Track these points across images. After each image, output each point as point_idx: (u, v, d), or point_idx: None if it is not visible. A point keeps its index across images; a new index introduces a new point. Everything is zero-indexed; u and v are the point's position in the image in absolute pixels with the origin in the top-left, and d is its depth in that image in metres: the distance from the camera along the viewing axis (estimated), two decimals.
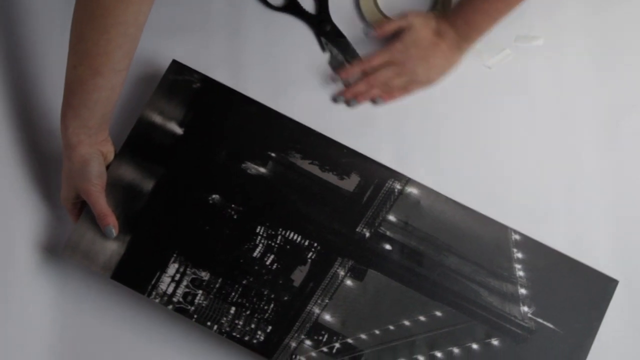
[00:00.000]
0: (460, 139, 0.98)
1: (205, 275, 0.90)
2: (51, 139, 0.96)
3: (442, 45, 0.95)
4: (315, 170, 0.93)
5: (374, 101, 0.99)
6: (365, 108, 0.99)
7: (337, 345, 0.88)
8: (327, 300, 0.89)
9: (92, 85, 0.82)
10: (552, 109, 0.98)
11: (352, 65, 0.98)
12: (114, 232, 0.89)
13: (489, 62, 1.00)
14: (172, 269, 0.90)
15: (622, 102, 0.98)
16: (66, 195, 0.89)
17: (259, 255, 0.90)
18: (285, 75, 0.99)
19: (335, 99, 0.98)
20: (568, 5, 1.01)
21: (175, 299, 0.89)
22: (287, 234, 0.91)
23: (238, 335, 0.88)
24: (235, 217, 0.91)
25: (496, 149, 0.97)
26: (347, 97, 0.98)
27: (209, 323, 0.88)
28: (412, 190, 0.92)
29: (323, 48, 0.95)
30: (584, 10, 1.00)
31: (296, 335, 0.88)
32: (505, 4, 0.91)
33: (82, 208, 0.90)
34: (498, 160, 0.97)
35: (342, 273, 0.90)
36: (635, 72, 0.99)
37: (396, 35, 0.96)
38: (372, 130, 0.98)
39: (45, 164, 0.96)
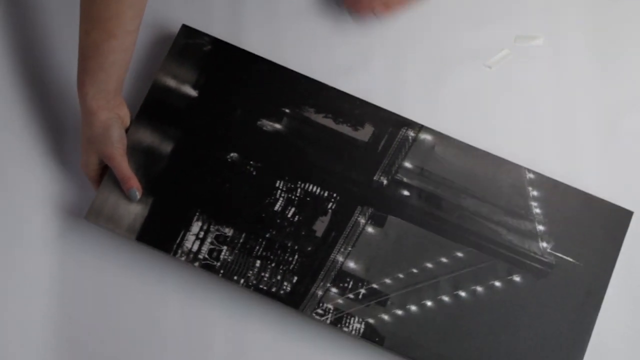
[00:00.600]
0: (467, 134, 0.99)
1: (228, 232, 0.91)
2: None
3: None
4: (329, 123, 0.94)
5: (374, 14, 0.99)
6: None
7: (362, 291, 0.90)
8: (349, 248, 0.91)
9: (106, 48, 0.83)
10: (552, 109, 0.99)
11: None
12: (138, 194, 0.90)
13: (489, 62, 1.01)
14: (196, 227, 0.91)
15: (622, 101, 0.99)
16: (87, 162, 0.90)
17: (280, 209, 0.92)
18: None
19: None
20: (568, 5, 1.01)
21: (200, 256, 0.90)
22: (306, 186, 0.93)
23: (265, 288, 0.90)
24: (254, 173, 0.93)
25: (499, 149, 0.97)
26: (347, 6, 0.99)
27: (235, 277, 0.90)
28: (425, 136, 0.94)
29: None
30: (584, 10, 1.01)
31: (322, 284, 0.90)
32: None
33: (103, 175, 0.92)
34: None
35: (362, 221, 0.92)
36: (635, 72, 1.00)
37: None
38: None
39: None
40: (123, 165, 0.89)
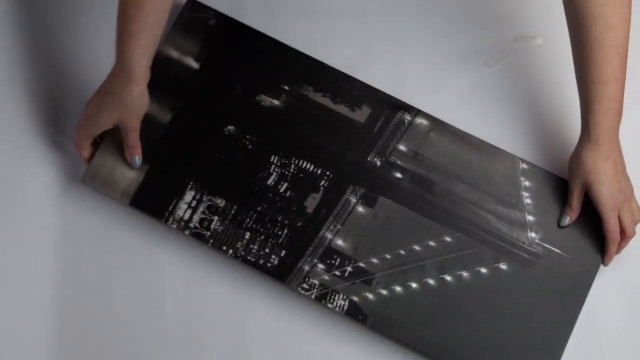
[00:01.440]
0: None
1: (221, 203, 0.92)
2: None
3: (616, 154, 0.87)
4: (327, 102, 0.95)
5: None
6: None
7: (349, 269, 0.91)
8: (339, 226, 0.92)
9: (148, 6, 0.81)
10: (550, 107, 0.99)
11: (610, 252, 0.89)
12: (139, 161, 0.91)
13: (489, 62, 1.01)
14: (189, 196, 0.92)
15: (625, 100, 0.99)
16: (97, 127, 0.89)
17: (273, 184, 0.93)
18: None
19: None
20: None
21: (192, 225, 0.91)
22: (301, 163, 0.94)
23: (253, 260, 0.91)
24: (250, 147, 0.94)
25: (495, 139, 0.97)
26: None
27: (224, 248, 0.91)
28: (422, 121, 0.95)
29: None
30: None
31: (309, 259, 0.91)
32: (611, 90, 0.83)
33: (96, 146, 0.93)
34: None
35: (354, 200, 0.92)
36: (635, 72, 1.00)
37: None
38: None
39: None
40: (137, 134, 0.90)
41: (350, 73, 0.96)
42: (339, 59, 0.99)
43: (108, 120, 0.88)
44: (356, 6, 1.02)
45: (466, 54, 1.00)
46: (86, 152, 0.92)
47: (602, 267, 0.90)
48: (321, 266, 0.91)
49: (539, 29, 1.01)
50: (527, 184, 0.93)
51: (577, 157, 0.87)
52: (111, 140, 0.93)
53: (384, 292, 0.90)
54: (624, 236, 0.89)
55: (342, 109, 0.95)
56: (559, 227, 0.91)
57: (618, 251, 0.90)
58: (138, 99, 0.87)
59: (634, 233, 0.89)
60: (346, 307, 0.89)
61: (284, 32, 0.99)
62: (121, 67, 0.85)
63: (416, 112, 0.95)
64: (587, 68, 0.83)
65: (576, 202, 0.89)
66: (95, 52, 0.99)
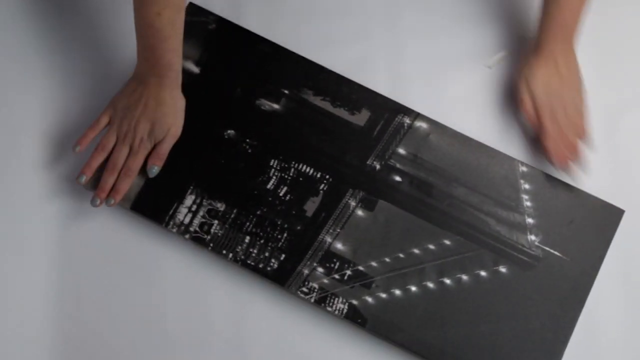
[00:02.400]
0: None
1: (220, 206, 0.93)
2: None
3: (561, 66, 0.94)
4: (327, 106, 0.96)
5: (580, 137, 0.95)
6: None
7: (348, 272, 0.91)
8: (338, 230, 0.92)
9: (179, 23, 0.87)
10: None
11: (549, 149, 0.93)
12: (156, 172, 0.93)
13: (489, 62, 1.01)
14: (189, 200, 0.93)
15: (619, 100, 0.98)
16: (150, 134, 0.91)
17: (272, 187, 0.93)
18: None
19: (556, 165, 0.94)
20: None
21: (192, 229, 0.92)
22: (300, 166, 0.94)
23: (252, 263, 0.91)
24: (249, 151, 0.94)
25: (494, 142, 0.97)
26: (562, 164, 0.94)
27: (224, 251, 0.91)
28: (421, 124, 0.95)
29: None
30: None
31: (308, 263, 0.91)
32: None
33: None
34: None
35: (353, 203, 0.93)
36: (634, 72, 1.00)
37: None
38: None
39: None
40: (170, 145, 0.92)
41: (350, 75, 0.97)
42: (339, 61, 0.99)
43: (142, 129, 0.91)
44: (355, 8, 1.03)
45: (466, 55, 1.00)
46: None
47: (601, 269, 0.90)
48: (320, 269, 0.91)
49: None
50: (527, 186, 0.93)
51: (521, 71, 0.95)
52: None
53: (383, 295, 0.90)
54: (561, 138, 0.93)
55: (341, 112, 0.95)
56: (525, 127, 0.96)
57: (562, 153, 0.92)
58: (180, 106, 0.92)
59: (570, 139, 0.93)
60: (345, 310, 0.90)
61: (284, 35, 1.00)
62: (168, 79, 0.89)
63: (415, 115, 0.95)
64: None
65: (528, 102, 0.94)
66: (86, 59, 1.00)
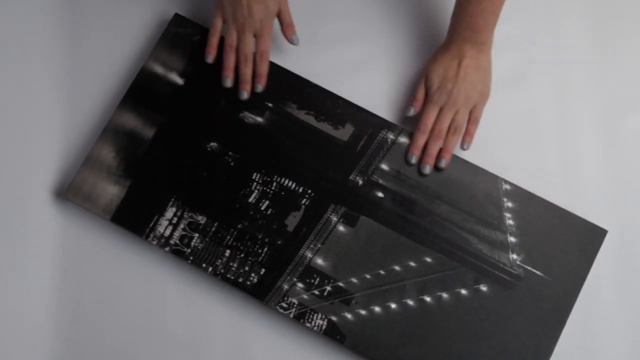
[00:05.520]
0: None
1: (201, 219, 0.92)
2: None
3: (466, 62, 0.92)
4: (310, 120, 0.95)
5: (462, 147, 0.94)
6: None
7: (328, 288, 0.90)
8: (319, 245, 0.91)
9: None
10: (551, 108, 0.99)
11: (415, 140, 0.93)
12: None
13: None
14: (170, 212, 0.92)
15: (621, 101, 0.98)
16: (266, 12, 0.92)
17: (254, 201, 0.93)
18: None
19: (410, 160, 0.94)
20: (568, 5, 1.02)
21: (172, 241, 0.91)
22: (282, 180, 0.93)
23: (232, 277, 0.91)
24: (232, 164, 0.94)
25: (499, 148, 0.98)
26: (424, 161, 0.93)
27: (204, 265, 0.91)
28: (405, 140, 0.94)
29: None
30: (584, 9, 1.01)
31: (288, 278, 0.91)
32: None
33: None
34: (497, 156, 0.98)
35: (334, 219, 0.92)
36: (635, 72, 0.99)
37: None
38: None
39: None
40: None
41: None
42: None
43: (269, 8, 0.93)
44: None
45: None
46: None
47: (582, 289, 0.90)
48: (300, 285, 0.90)
49: (538, 30, 1.01)
50: (510, 204, 0.92)
51: (430, 59, 0.95)
52: (93, 155, 0.93)
53: (363, 312, 0.89)
54: (431, 134, 0.93)
55: (325, 127, 0.95)
56: (406, 117, 0.95)
57: (427, 155, 0.92)
58: None
59: (442, 136, 0.93)
60: (324, 327, 0.89)
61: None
62: None
63: (399, 131, 0.94)
64: None
65: (420, 92, 0.94)
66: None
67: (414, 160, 0.93)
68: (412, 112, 0.95)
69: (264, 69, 0.94)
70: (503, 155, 0.97)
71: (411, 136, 0.93)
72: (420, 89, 0.95)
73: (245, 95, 0.94)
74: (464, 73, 0.92)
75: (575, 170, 0.96)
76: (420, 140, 0.93)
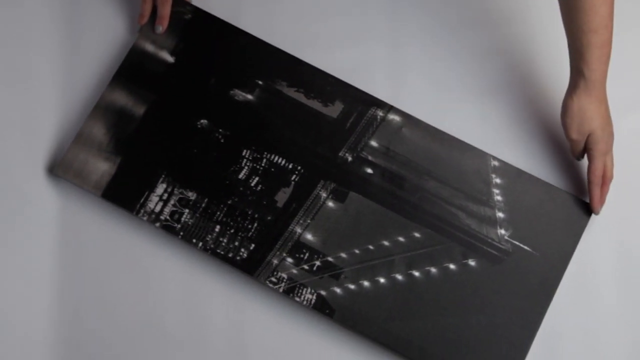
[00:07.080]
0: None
1: (192, 195, 0.93)
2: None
3: (608, 111, 0.90)
4: (300, 97, 0.96)
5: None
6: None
7: (317, 263, 0.91)
8: (309, 221, 0.92)
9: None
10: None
11: (601, 194, 0.91)
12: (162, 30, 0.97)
13: None
14: (161, 188, 0.93)
15: (621, 101, 0.98)
16: None
17: (244, 177, 0.93)
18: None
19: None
20: None
21: (162, 217, 0.92)
22: (272, 157, 0.94)
23: (222, 252, 0.91)
24: (222, 140, 0.94)
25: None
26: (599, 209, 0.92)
27: (194, 240, 0.92)
28: (394, 117, 0.95)
29: None
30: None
31: (278, 253, 0.91)
32: (598, 33, 0.84)
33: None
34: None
35: (324, 195, 0.93)
36: (634, 72, 1.00)
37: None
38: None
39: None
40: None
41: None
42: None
43: None
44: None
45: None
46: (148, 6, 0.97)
47: (570, 264, 0.90)
48: (290, 260, 0.91)
49: (538, 30, 1.01)
50: (498, 180, 0.93)
51: (573, 106, 0.88)
52: (84, 132, 0.94)
53: (352, 287, 0.90)
54: (605, 179, 0.91)
55: (315, 104, 0.95)
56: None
57: (602, 197, 0.91)
58: None
59: (613, 176, 0.91)
60: (313, 301, 0.90)
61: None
62: None
63: (388, 108, 0.95)
64: (575, 17, 0.84)
65: (582, 150, 0.91)
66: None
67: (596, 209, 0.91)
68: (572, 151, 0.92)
69: (166, 11, 0.96)
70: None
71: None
72: (580, 146, 0.90)
73: (138, 28, 0.97)
74: (609, 109, 0.90)
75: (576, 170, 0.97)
76: (598, 192, 0.90)
